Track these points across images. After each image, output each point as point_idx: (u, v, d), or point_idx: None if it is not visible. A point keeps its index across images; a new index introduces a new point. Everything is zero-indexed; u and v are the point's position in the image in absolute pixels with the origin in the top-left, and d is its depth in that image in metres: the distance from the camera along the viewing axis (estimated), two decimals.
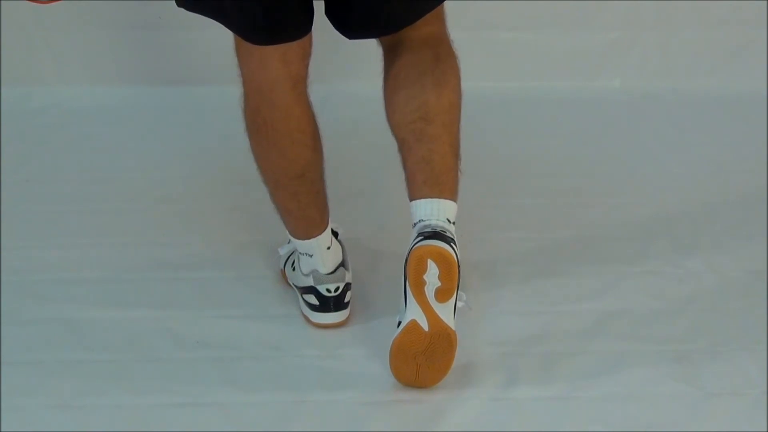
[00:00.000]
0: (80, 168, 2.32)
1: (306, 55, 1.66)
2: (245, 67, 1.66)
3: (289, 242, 1.87)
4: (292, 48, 1.62)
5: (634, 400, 1.68)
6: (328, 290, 1.78)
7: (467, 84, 1.73)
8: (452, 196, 1.66)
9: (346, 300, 1.80)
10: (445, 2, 1.69)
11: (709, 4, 2.54)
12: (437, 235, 1.59)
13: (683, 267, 1.99)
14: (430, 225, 1.62)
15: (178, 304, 1.89)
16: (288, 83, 1.65)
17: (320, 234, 1.78)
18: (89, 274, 1.97)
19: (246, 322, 1.85)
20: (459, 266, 1.58)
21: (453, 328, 1.60)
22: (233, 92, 1.72)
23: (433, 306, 1.57)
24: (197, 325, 1.84)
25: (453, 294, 1.59)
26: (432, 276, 1.57)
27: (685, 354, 1.77)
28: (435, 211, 1.64)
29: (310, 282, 1.79)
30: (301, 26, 1.62)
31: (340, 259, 1.82)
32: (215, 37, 1.73)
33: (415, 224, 1.65)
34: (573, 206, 2.17)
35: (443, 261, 1.56)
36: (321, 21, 1.63)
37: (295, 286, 1.84)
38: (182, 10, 1.64)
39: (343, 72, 2.43)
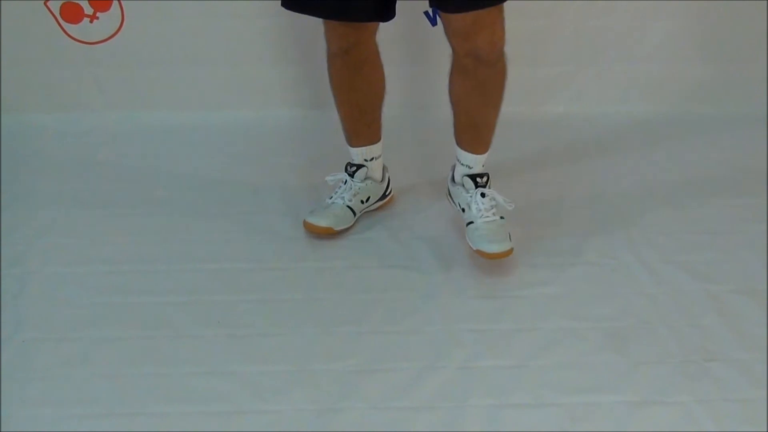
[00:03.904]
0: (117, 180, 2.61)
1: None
2: None
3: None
4: None
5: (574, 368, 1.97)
6: None
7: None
8: None
9: None
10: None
11: (635, 44, 2.81)
12: None
13: (617, 259, 2.27)
14: None
15: (202, 290, 2.18)
16: None
17: None
18: (127, 267, 2.26)
19: (259, 305, 2.13)
20: None
21: None
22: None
23: None
24: (217, 307, 2.13)
25: None
26: None
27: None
28: None
29: None
30: None
31: None
32: None
33: None
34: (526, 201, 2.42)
35: None
36: None
37: None
38: None
39: None
